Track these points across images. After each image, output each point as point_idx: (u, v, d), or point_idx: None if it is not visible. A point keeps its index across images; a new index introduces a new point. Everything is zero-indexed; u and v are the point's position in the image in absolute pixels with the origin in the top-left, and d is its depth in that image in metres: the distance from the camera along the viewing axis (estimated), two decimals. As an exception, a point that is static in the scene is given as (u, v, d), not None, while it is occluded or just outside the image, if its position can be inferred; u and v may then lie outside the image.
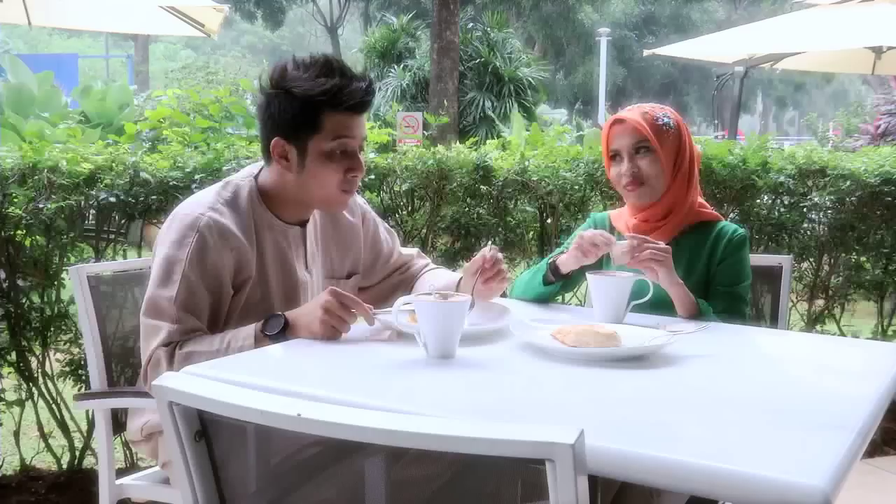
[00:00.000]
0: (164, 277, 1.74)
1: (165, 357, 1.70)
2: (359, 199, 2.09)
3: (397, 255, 2.15)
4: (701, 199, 2.18)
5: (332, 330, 1.64)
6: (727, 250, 2.08)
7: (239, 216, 1.81)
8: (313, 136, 1.77)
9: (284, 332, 1.68)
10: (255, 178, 1.89)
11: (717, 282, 2.08)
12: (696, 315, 1.95)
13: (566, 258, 2.00)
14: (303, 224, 1.93)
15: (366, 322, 1.69)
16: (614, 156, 2.11)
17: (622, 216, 2.20)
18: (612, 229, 2.20)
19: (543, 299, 2.09)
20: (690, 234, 2.12)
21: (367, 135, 1.90)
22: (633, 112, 2.10)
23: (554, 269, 2.03)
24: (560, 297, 2.23)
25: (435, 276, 2.10)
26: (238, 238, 1.79)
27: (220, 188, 1.86)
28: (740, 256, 2.10)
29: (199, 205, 1.80)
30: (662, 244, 1.93)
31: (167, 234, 1.79)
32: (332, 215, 2.00)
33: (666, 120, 2.08)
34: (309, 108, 1.75)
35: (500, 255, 1.88)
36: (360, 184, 2.00)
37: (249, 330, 1.70)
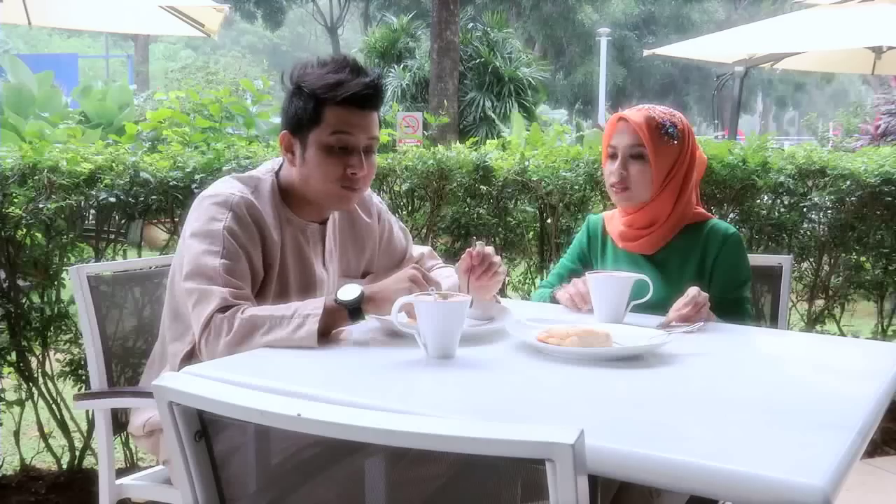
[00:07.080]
0: (205, 247, 1.71)
1: (227, 322, 1.63)
2: (375, 199, 2.10)
3: (408, 254, 2.16)
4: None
5: None
6: (722, 253, 2.05)
7: (262, 206, 1.82)
8: (314, 129, 1.79)
9: (360, 303, 1.64)
10: (276, 174, 1.90)
11: (718, 290, 2.00)
12: None
13: (564, 300, 2.02)
14: (322, 222, 1.94)
15: None
16: (612, 153, 2.09)
17: (614, 218, 2.20)
18: (605, 232, 2.21)
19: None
20: (681, 235, 2.10)
21: (377, 136, 1.86)
22: (640, 114, 2.05)
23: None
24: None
25: (441, 276, 2.10)
26: (266, 223, 1.80)
27: (243, 179, 1.86)
28: (738, 258, 2.07)
29: (228, 188, 1.81)
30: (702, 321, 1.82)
31: (199, 212, 1.78)
32: (348, 215, 2.00)
33: (671, 130, 2.03)
34: (312, 101, 1.78)
35: (488, 250, 1.83)
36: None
37: (319, 301, 1.64)
